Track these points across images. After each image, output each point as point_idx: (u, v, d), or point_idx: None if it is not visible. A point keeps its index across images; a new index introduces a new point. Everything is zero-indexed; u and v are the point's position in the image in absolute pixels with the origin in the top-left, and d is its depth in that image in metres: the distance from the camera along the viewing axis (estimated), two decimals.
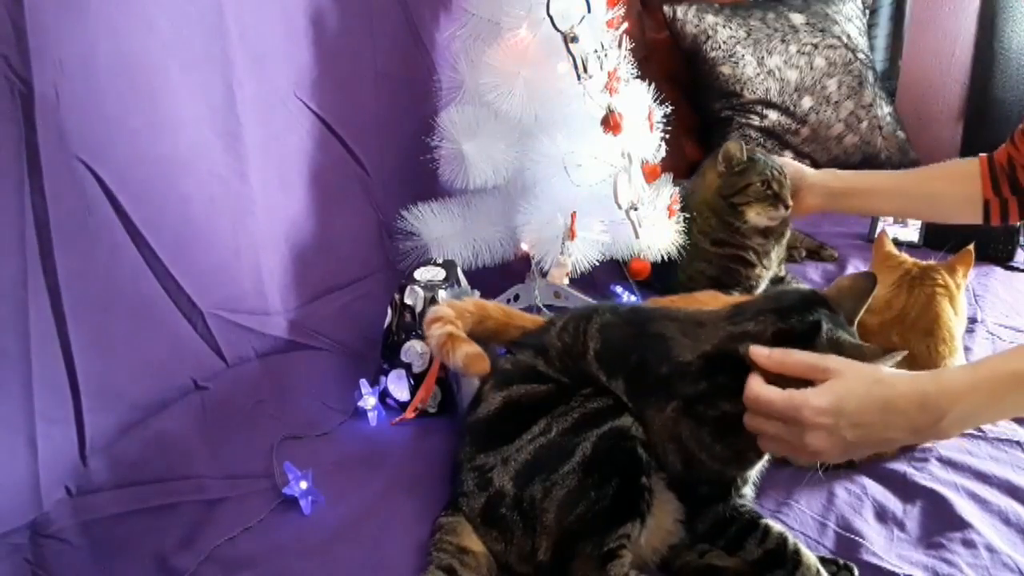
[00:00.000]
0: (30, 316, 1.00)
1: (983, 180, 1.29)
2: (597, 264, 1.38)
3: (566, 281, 1.38)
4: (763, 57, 2.09)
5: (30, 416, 1.01)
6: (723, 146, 1.48)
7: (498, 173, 1.37)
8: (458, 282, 1.28)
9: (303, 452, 1.12)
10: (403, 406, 1.23)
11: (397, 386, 1.24)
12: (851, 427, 0.79)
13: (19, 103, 0.95)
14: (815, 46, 2.12)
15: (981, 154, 1.31)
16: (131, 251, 1.10)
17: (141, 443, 1.10)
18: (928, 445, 1.11)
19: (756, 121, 2.09)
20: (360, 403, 1.22)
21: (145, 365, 1.14)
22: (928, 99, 2.36)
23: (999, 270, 1.67)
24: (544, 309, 1.44)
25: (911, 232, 1.79)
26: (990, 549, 0.93)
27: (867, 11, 2.32)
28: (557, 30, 1.24)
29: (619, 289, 1.54)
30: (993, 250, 1.69)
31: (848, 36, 2.17)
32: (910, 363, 0.89)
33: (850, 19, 2.21)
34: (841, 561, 0.91)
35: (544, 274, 1.41)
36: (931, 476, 1.06)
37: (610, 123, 1.27)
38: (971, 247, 1.22)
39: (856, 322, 0.91)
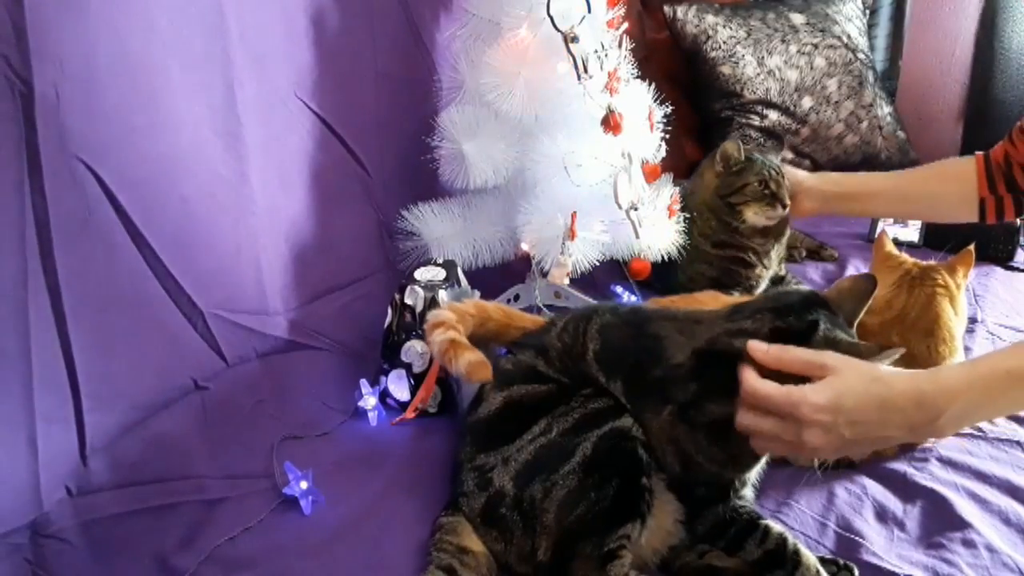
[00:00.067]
0: (30, 316, 1.00)
1: (979, 179, 1.29)
2: (597, 264, 1.38)
3: (566, 281, 1.38)
4: (763, 57, 2.09)
5: (30, 416, 1.00)
6: (720, 146, 1.48)
7: (498, 173, 1.37)
8: (458, 282, 1.28)
9: (303, 452, 1.12)
10: (403, 406, 1.23)
11: (397, 386, 1.24)
12: (849, 424, 0.79)
13: (19, 103, 0.95)
14: (815, 46, 2.12)
15: (977, 152, 1.31)
16: (131, 251, 1.10)
17: (141, 443, 1.10)
18: (928, 445, 1.11)
19: (756, 121, 2.08)
20: (360, 403, 1.22)
21: (145, 365, 1.14)
22: (928, 99, 2.36)
23: (999, 270, 1.67)
24: (544, 309, 1.44)
25: (911, 232, 1.79)
26: (990, 549, 0.93)
27: (867, 11, 2.32)
28: (557, 30, 1.24)
29: (619, 289, 1.54)
30: (993, 250, 1.69)
31: (848, 36, 2.17)
32: (910, 363, 0.89)
33: (850, 19, 2.21)
34: (841, 561, 0.91)
35: (544, 274, 1.41)
36: (931, 476, 1.06)
37: (610, 123, 1.27)
38: (971, 247, 1.22)
39: (856, 324, 0.91)
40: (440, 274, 1.26)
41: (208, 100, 1.19)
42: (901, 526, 0.99)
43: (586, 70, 1.25)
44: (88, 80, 1.01)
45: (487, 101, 1.31)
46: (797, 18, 2.16)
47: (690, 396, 0.89)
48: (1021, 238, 1.71)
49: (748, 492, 0.96)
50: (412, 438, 1.18)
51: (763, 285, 1.54)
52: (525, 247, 1.41)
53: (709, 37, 2.10)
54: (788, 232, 1.56)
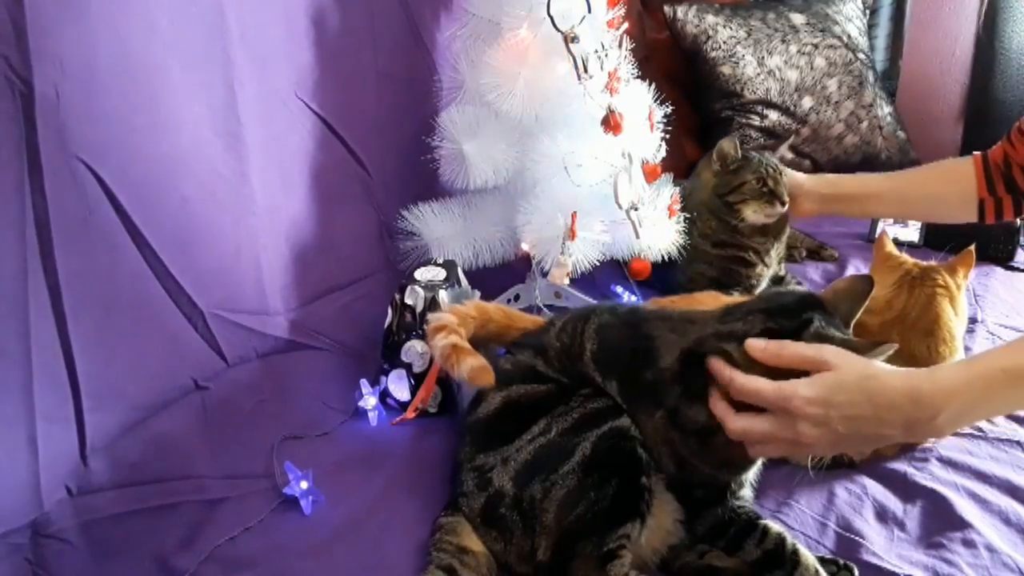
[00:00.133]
0: (30, 316, 1.00)
1: (978, 180, 1.29)
2: (597, 264, 1.37)
3: (566, 281, 1.38)
4: (763, 57, 2.09)
5: (30, 416, 1.01)
6: (717, 144, 1.48)
7: (499, 173, 1.37)
8: (458, 282, 1.28)
9: (303, 452, 1.12)
10: (403, 406, 1.23)
11: (397, 386, 1.24)
12: (842, 419, 0.79)
13: (19, 103, 0.95)
14: (815, 46, 2.12)
15: (975, 152, 1.31)
16: (131, 251, 1.10)
17: (141, 443, 1.10)
18: (928, 445, 1.11)
19: (756, 121, 2.08)
20: (360, 403, 1.22)
21: (145, 365, 1.14)
22: (928, 99, 2.36)
23: (999, 270, 1.67)
24: (544, 309, 1.44)
25: (911, 232, 1.79)
26: (990, 549, 0.93)
27: (867, 11, 2.32)
28: (557, 30, 1.24)
29: (619, 289, 1.54)
30: (994, 250, 1.69)
31: (848, 36, 2.17)
32: (911, 363, 0.89)
33: (850, 19, 2.21)
34: (841, 561, 0.91)
35: (544, 274, 1.41)
36: (931, 476, 1.06)
37: (610, 123, 1.27)
38: (972, 248, 1.22)
39: (852, 325, 0.90)
40: (440, 274, 1.26)
41: (208, 100, 1.19)
42: (901, 526, 0.99)
43: (586, 70, 1.25)
44: (88, 80, 1.01)
45: (487, 101, 1.31)
46: (797, 18, 2.16)
47: (675, 401, 0.89)
48: (1021, 238, 1.71)
49: (747, 492, 0.96)
50: (412, 438, 1.18)
51: (763, 284, 1.54)
52: (525, 247, 1.41)
53: (709, 37, 2.10)
54: (788, 230, 1.56)
